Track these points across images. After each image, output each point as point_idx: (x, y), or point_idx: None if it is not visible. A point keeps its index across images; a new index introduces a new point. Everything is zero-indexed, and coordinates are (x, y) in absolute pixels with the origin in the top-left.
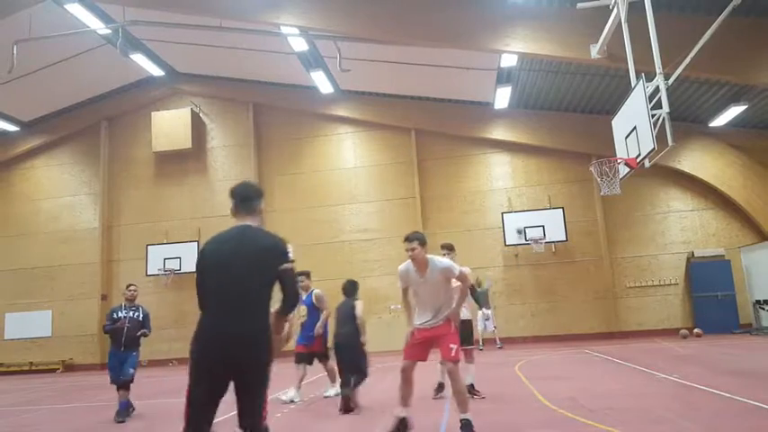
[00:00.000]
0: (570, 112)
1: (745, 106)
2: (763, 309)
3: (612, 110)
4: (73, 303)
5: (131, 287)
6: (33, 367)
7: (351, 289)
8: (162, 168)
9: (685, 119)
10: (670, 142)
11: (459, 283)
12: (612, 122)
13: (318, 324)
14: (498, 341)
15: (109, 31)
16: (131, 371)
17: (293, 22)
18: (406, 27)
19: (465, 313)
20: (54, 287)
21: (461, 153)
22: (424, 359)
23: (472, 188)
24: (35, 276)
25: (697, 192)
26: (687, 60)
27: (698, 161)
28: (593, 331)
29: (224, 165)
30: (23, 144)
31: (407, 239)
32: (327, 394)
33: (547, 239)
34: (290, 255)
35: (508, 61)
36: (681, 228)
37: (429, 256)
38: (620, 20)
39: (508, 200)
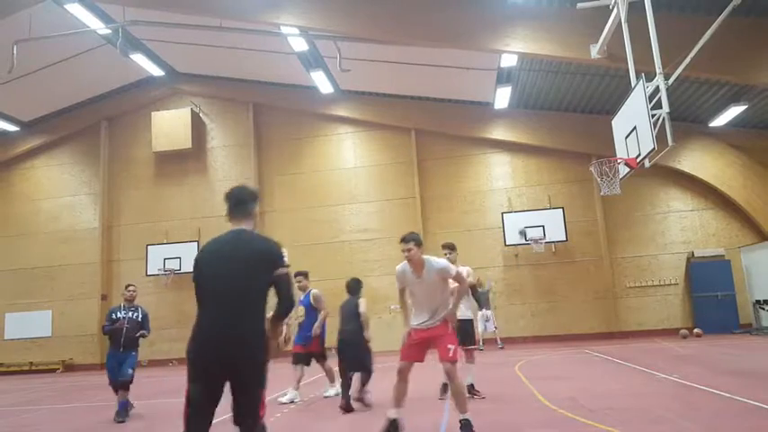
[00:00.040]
0: (570, 112)
1: (745, 106)
2: (763, 309)
3: (612, 110)
4: (73, 303)
5: (130, 287)
6: (33, 367)
7: (355, 287)
8: (162, 168)
9: (685, 119)
10: (670, 142)
11: (457, 284)
12: (612, 122)
13: (316, 324)
14: (499, 341)
15: (109, 31)
16: (130, 371)
17: (293, 22)
18: (406, 27)
19: (466, 313)
20: (54, 287)
21: (461, 153)
22: (421, 360)
23: (472, 188)
24: (35, 276)
25: (697, 192)
26: (687, 60)
27: (698, 161)
28: (593, 331)
29: (224, 165)
30: (23, 144)
31: (403, 240)
32: (327, 394)
33: (547, 239)
34: (285, 259)
35: (508, 61)
36: (681, 228)
37: (425, 256)
38: (620, 20)
39: (508, 200)
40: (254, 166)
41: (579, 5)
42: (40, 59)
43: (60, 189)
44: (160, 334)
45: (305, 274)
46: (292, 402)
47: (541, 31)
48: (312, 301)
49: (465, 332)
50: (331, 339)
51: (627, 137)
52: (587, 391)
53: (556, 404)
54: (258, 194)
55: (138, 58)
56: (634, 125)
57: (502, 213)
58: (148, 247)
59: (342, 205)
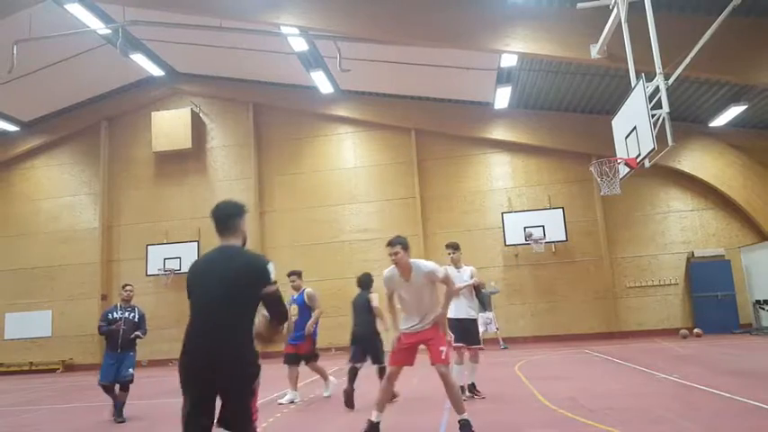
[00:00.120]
0: (570, 112)
1: (745, 106)
2: (763, 309)
3: (612, 110)
4: (73, 303)
5: (128, 287)
6: (33, 367)
7: (366, 282)
8: (162, 168)
9: (685, 119)
10: (670, 142)
11: (466, 283)
12: (612, 122)
13: (310, 322)
14: (502, 342)
15: (109, 31)
16: (131, 371)
17: (293, 22)
18: (406, 27)
19: (470, 313)
20: (54, 287)
21: (461, 153)
22: (411, 364)
23: (472, 188)
24: (35, 276)
25: (697, 192)
26: (687, 60)
27: (698, 161)
28: (592, 331)
29: (224, 165)
30: (23, 144)
31: (390, 244)
32: (327, 394)
33: (547, 239)
34: (272, 275)
35: (508, 61)
36: (681, 228)
37: (412, 260)
38: (620, 20)
39: (508, 200)
40: (254, 166)
41: (579, 5)
42: (40, 59)
43: (60, 189)
44: (160, 334)
45: (298, 274)
46: (292, 403)
47: (541, 31)
48: (306, 299)
49: (469, 332)
50: (324, 338)
51: (627, 137)
52: (587, 391)
53: (556, 404)
54: (245, 208)
55: (138, 58)
56: (634, 125)
57: (502, 213)
58: (148, 247)
59: (342, 205)
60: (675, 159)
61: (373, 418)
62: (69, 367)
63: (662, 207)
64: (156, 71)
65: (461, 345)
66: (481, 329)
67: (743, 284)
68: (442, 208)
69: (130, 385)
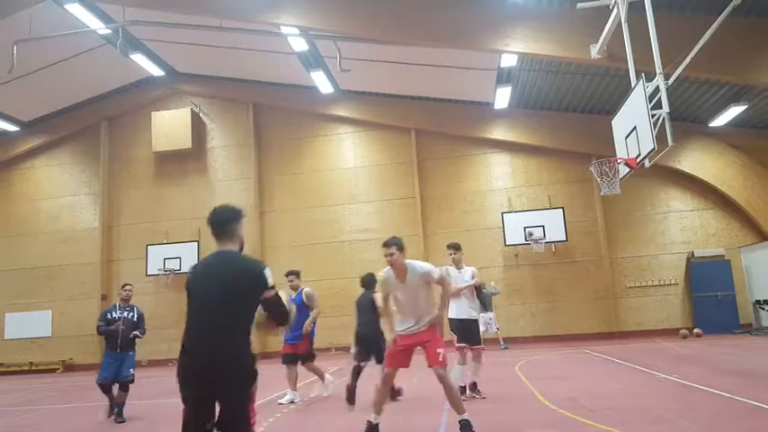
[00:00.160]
0: (570, 112)
1: (745, 106)
2: (763, 309)
3: (612, 110)
4: (73, 303)
5: (127, 287)
6: (33, 367)
7: (370, 281)
8: (162, 168)
9: (685, 119)
10: (670, 142)
11: (470, 283)
12: (612, 122)
13: (308, 321)
14: (502, 342)
15: (109, 31)
16: (131, 371)
17: (293, 22)
18: (406, 27)
19: (472, 313)
20: (54, 287)
21: (461, 153)
22: (406, 366)
23: (472, 188)
24: (35, 276)
25: (697, 192)
26: (687, 60)
27: (698, 161)
28: (592, 331)
29: (224, 165)
30: (23, 144)
31: (385, 245)
32: (326, 394)
33: (547, 239)
34: (269, 279)
35: (508, 61)
36: (681, 228)
37: (407, 261)
38: (620, 20)
39: (508, 200)
40: (254, 166)
41: (579, 5)
42: (40, 59)
43: (60, 189)
44: (160, 334)
45: (297, 273)
46: (292, 403)
47: (541, 31)
48: (305, 299)
49: (470, 332)
50: (324, 338)
51: (627, 137)
52: (587, 391)
53: (556, 404)
54: (242, 212)
55: (138, 58)
56: (634, 125)
57: (502, 213)
58: (148, 247)
59: (342, 205)
60: (675, 159)
61: (372, 420)
62: (69, 367)
63: (662, 207)
64: (156, 71)
65: (464, 345)
66: (482, 329)
67: (743, 284)
68: (442, 208)
69: (130, 385)
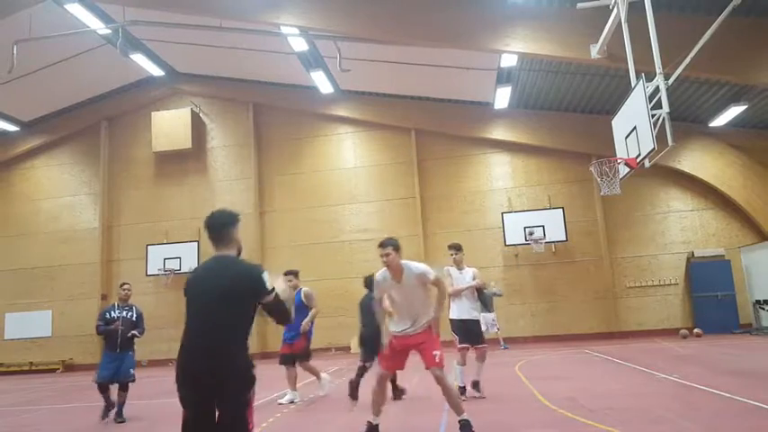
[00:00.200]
0: (570, 112)
1: (745, 106)
2: (763, 309)
3: (612, 110)
4: (73, 303)
5: (125, 286)
6: (33, 367)
7: (372, 283)
8: (162, 168)
9: (685, 119)
10: (670, 142)
11: (471, 284)
12: (612, 122)
13: (306, 320)
14: (502, 342)
15: (109, 31)
16: (132, 371)
17: (293, 22)
18: (406, 27)
19: (473, 313)
20: (54, 287)
21: (461, 153)
22: (402, 367)
23: (472, 188)
24: (35, 276)
25: (697, 192)
26: (687, 60)
27: (698, 161)
28: (592, 331)
29: (224, 165)
30: (23, 144)
31: (381, 245)
32: (323, 393)
33: (547, 239)
34: (267, 283)
35: (508, 61)
36: (681, 228)
37: (403, 261)
38: (620, 20)
39: (508, 200)
40: (254, 166)
41: (579, 5)
42: (40, 59)
43: (60, 189)
44: (159, 334)
45: (295, 273)
46: (292, 403)
47: (541, 31)
48: (304, 298)
49: (472, 332)
50: (324, 338)
51: (627, 137)
52: (587, 391)
53: (556, 404)
54: (238, 217)
55: (138, 58)
56: (634, 125)
57: (502, 213)
58: (148, 247)
59: (342, 205)
60: (675, 159)
61: (372, 421)
62: (69, 367)
63: (662, 207)
64: (156, 71)
65: (466, 345)
66: (483, 329)
67: (743, 284)
68: (442, 208)
69: (130, 385)
